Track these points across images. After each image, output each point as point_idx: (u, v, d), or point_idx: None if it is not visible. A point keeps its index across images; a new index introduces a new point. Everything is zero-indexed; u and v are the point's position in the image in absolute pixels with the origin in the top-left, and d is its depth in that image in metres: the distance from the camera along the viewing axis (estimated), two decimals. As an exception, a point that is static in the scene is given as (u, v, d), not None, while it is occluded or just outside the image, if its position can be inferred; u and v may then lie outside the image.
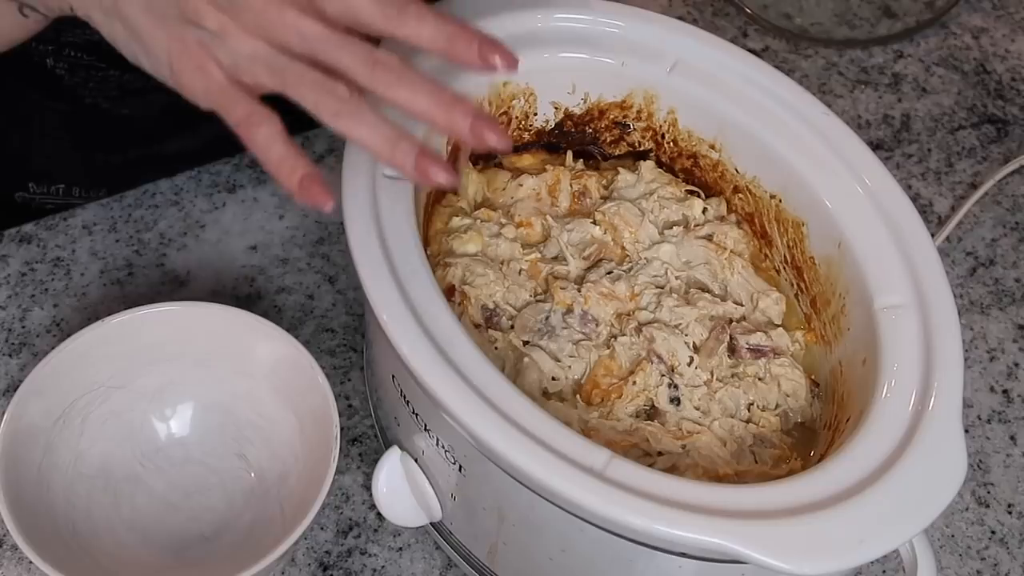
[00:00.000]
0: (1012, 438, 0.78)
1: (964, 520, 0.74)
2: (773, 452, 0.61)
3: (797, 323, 0.67)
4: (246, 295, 0.79)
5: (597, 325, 0.63)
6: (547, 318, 0.63)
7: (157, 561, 0.65)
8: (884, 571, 0.72)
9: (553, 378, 0.62)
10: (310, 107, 0.51)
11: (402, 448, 0.64)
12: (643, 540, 0.52)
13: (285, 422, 0.68)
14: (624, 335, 0.63)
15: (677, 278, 0.66)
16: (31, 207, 0.88)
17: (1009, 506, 0.75)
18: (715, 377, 0.63)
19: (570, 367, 0.62)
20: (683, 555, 0.52)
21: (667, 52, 0.68)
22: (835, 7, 1.02)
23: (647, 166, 0.71)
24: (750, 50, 0.74)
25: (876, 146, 0.93)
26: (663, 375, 0.62)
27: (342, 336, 0.78)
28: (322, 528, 0.70)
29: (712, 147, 0.69)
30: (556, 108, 0.70)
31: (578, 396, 0.62)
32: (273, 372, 0.68)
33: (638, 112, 0.70)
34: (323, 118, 0.51)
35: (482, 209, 0.68)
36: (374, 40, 0.52)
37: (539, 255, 0.66)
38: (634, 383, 0.61)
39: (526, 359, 0.62)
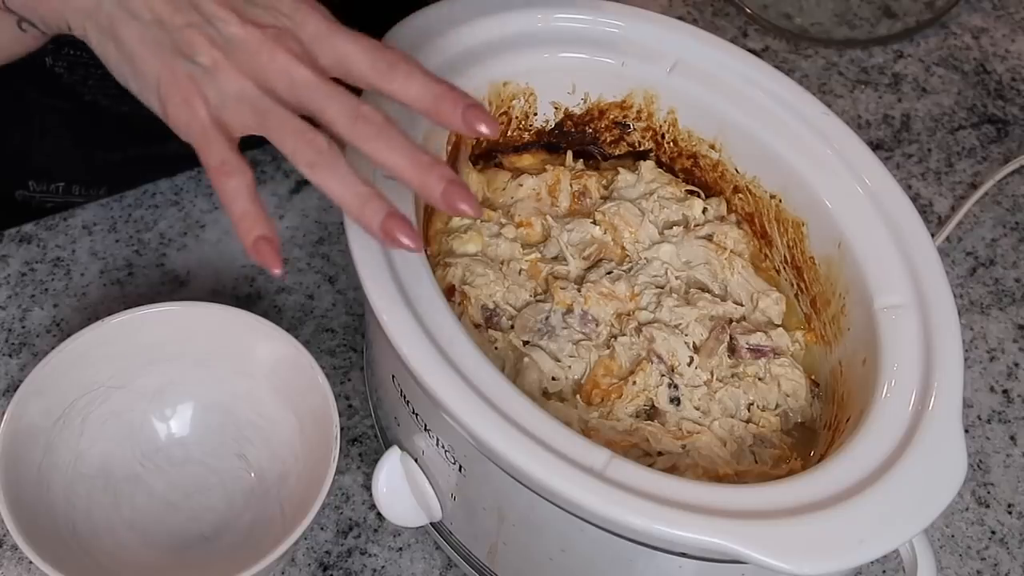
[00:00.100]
0: (1012, 438, 0.78)
1: (964, 520, 0.74)
2: (773, 452, 0.61)
3: (797, 323, 0.67)
4: (246, 295, 0.79)
5: (597, 325, 0.63)
6: (547, 318, 0.63)
7: (157, 561, 0.65)
8: (884, 571, 0.72)
9: (553, 378, 0.62)
10: (288, 153, 0.52)
11: (402, 448, 0.64)
12: (643, 540, 0.52)
13: (285, 422, 0.68)
14: (624, 335, 0.63)
15: (677, 278, 0.66)
16: (31, 205, 0.88)
17: (1009, 506, 0.75)
18: (715, 377, 0.63)
19: (570, 367, 0.62)
20: (683, 555, 0.52)
21: (667, 52, 0.68)
22: (835, 7, 1.02)
23: (647, 166, 0.71)
24: (750, 50, 0.74)
25: (876, 146, 0.93)
26: (663, 375, 0.62)
27: (342, 336, 0.78)
28: (322, 528, 0.70)
29: (712, 147, 0.69)
30: (556, 108, 0.70)
31: (578, 396, 0.62)
32: (273, 372, 0.68)
33: (638, 112, 0.70)
34: (299, 166, 0.52)
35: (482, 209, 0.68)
36: (359, 91, 0.53)
37: (539, 255, 0.66)
38: (634, 383, 0.61)
39: (526, 359, 0.62)
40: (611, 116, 0.71)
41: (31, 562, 0.59)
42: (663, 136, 0.71)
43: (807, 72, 0.98)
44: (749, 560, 0.49)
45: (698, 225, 0.69)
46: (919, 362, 0.57)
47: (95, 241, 0.81)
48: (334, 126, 0.52)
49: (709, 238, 0.68)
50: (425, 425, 0.59)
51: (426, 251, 0.59)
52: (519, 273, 0.65)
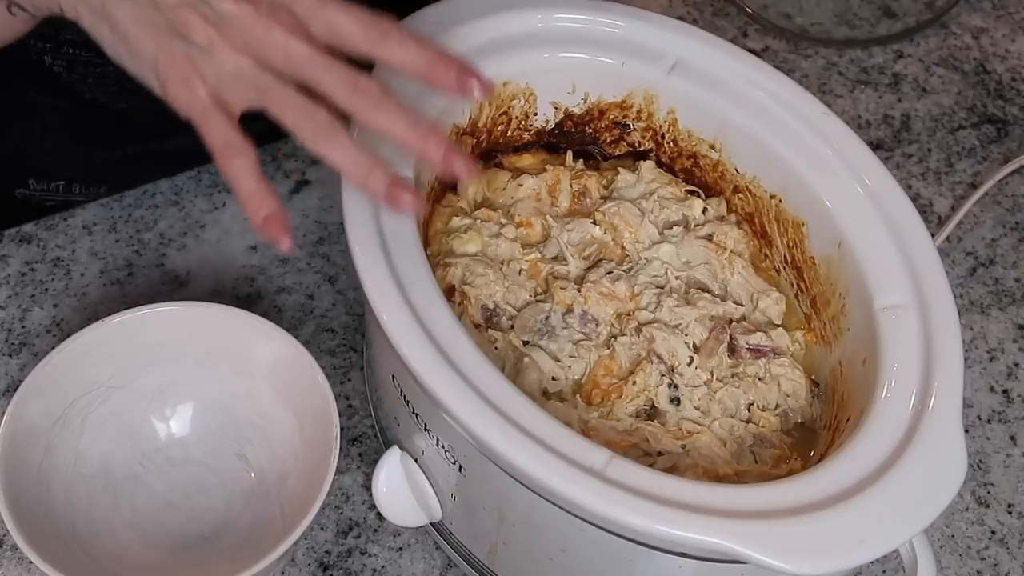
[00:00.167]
0: (1012, 438, 0.78)
1: (964, 520, 0.74)
2: (773, 452, 0.61)
3: (797, 323, 0.67)
4: (246, 295, 0.79)
5: (597, 325, 0.63)
6: (547, 318, 0.63)
7: (157, 561, 0.65)
8: (884, 571, 0.72)
9: (553, 378, 0.62)
10: (290, 127, 0.53)
11: (402, 448, 0.64)
12: (643, 540, 0.52)
13: (285, 422, 0.68)
14: (624, 335, 0.63)
15: (677, 278, 0.66)
16: (31, 204, 0.88)
17: (1009, 506, 0.75)
18: (715, 377, 0.63)
19: (570, 367, 0.62)
20: (683, 555, 0.52)
21: (667, 52, 0.68)
22: (835, 7, 1.02)
23: (647, 166, 0.71)
24: (750, 50, 0.74)
25: (876, 146, 0.93)
26: (663, 375, 0.62)
27: (342, 336, 0.78)
28: (322, 528, 0.70)
29: (712, 147, 0.69)
30: (556, 108, 0.70)
31: (578, 396, 0.62)
32: (273, 372, 0.68)
33: (638, 112, 0.70)
34: (302, 139, 0.53)
35: (482, 209, 0.68)
36: (366, 65, 0.53)
37: (539, 255, 0.66)
38: (634, 383, 0.61)
39: (526, 359, 0.62)
40: (611, 116, 0.71)
41: (31, 562, 0.59)
42: (663, 136, 0.71)
43: (807, 72, 0.98)
44: (749, 560, 0.49)
45: (698, 225, 0.69)
46: (919, 362, 0.57)
47: (95, 241, 0.81)
48: (333, 98, 0.53)
49: (709, 238, 0.68)
50: (425, 425, 0.59)
51: (426, 251, 0.59)
52: (519, 273, 0.65)
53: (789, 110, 0.66)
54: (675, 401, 0.62)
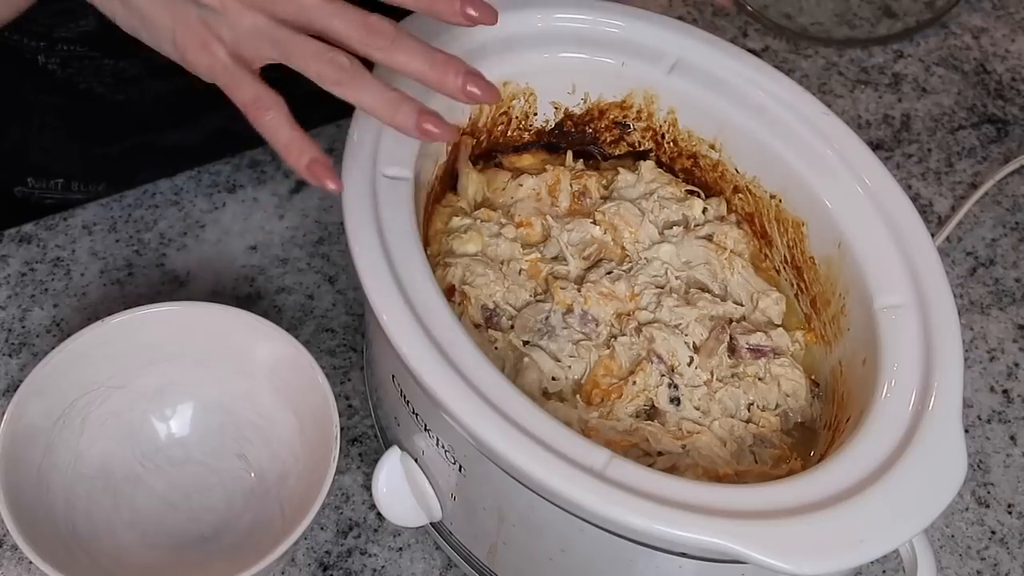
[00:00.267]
0: (1012, 438, 0.78)
1: (964, 520, 0.74)
2: (773, 452, 0.61)
3: (797, 323, 0.67)
4: (246, 295, 0.79)
5: (597, 325, 0.63)
6: (547, 318, 0.63)
7: (157, 561, 0.65)
8: (884, 571, 0.72)
9: (553, 378, 0.62)
10: (313, 76, 0.53)
11: (402, 448, 0.64)
12: (643, 540, 0.52)
13: (285, 422, 0.68)
14: (624, 335, 0.63)
15: (677, 278, 0.66)
16: (30, 202, 0.88)
17: (1009, 506, 0.75)
18: (715, 377, 0.63)
19: (570, 367, 0.62)
20: (683, 555, 0.52)
21: (667, 52, 0.68)
22: (835, 7, 1.02)
23: (647, 166, 0.71)
24: (750, 50, 0.74)
25: (876, 146, 0.93)
26: (663, 375, 0.62)
27: (342, 336, 0.78)
28: (322, 528, 0.70)
29: (712, 147, 0.69)
30: (556, 108, 0.70)
31: (578, 396, 0.62)
32: (273, 372, 0.68)
33: (638, 112, 0.70)
34: (326, 86, 0.53)
35: (482, 209, 0.68)
36: (378, 6, 0.54)
37: (539, 255, 0.66)
38: (634, 383, 0.61)
39: (526, 359, 0.62)
40: (611, 116, 0.71)
41: (31, 562, 0.59)
42: (663, 136, 0.71)
43: (807, 72, 0.98)
44: (749, 560, 0.49)
45: (698, 225, 0.69)
46: (919, 362, 0.57)
47: (95, 241, 0.81)
48: (348, 42, 0.53)
49: (709, 238, 0.68)
50: (425, 425, 0.59)
51: (426, 251, 0.59)
52: (519, 273, 0.65)
53: (789, 110, 0.66)
54: (675, 401, 0.62)
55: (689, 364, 0.63)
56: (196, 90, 0.60)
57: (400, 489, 0.64)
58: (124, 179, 0.84)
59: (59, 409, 0.65)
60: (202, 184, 0.84)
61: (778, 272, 0.69)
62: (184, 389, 0.69)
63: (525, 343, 0.62)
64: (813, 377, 0.65)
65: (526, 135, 0.71)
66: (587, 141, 0.72)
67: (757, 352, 0.64)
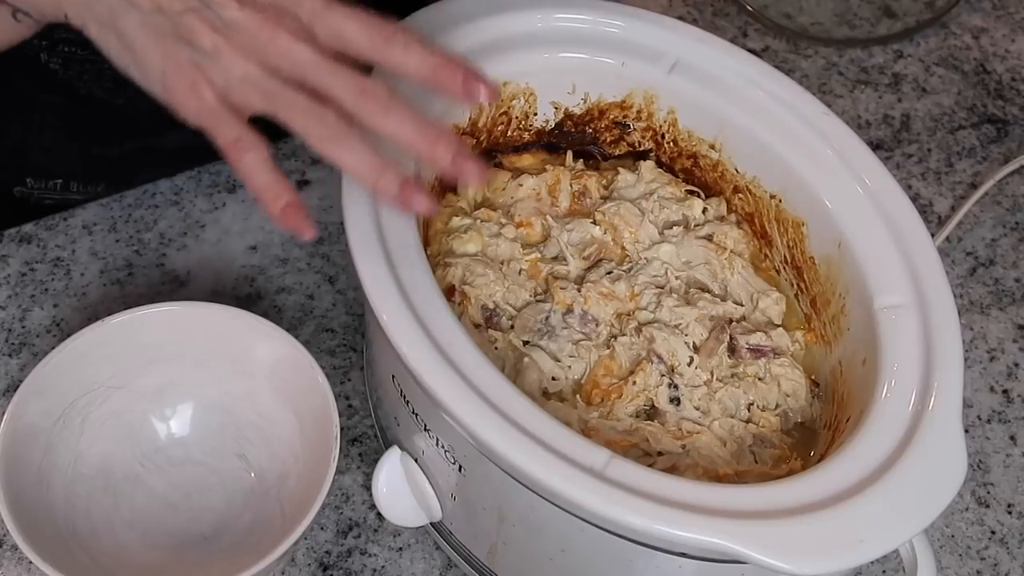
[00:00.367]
0: (1012, 438, 0.78)
1: (964, 520, 0.74)
2: (773, 452, 0.61)
3: (797, 323, 0.67)
4: (246, 295, 0.79)
5: (597, 325, 0.63)
6: (547, 318, 0.63)
7: (157, 561, 0.65)
8: (884, 571, 0.72)
9: (553, 378, 0.62)
10: (299, 131, 0.53)
11: (402, 448, 0.64)
12: (643, 540, 0.52)
13: (285, 422, 0.68)
14: (624, 335, 0.63)
15: (677, 278, 0.66)
16: (29, 202, 0.88)
17: (1009, 506, 0.75)
18: (715, 377, 0.63)
19: (570, 367, 0.62)
20: (683, 555, 0.52)
21: (667, 52, 0.68)
22: (835, 7, 1.02)
23: (647, 166, 0.71)
24: (750, 50, 0.74)
25: (876, 146, 0.93)
26: (663, 375, 0.62)
27: (342, 336, 0.78)
28: (322, 528, 0.70)
29: (712, 147, 0.69)
30: (556, 108, 0.70)
31: (578, 396, 0.62)
32: (273, 372, 0.68)
33: (638, 112, 0.70)
34: (312, 143, 0.53)
35: (482, 209, 0.68)
36: (367, 68, 0.53)
37: (539, 255, 0.66)
38: (634, 383, 0.61)
39: (526, 359, 0.62)
40: (611, 116, 0.71)
41: (31, 562, 0.59)
42: (663, 136, 0.71)
43: (807, 72, 0.98)
44: (749, 560, 0.49)
45: (698, 225, 0.69)
46: (919, 362, 0.57)
47: (95, 241, 0.81)
48: (340, 102, 0.53)
49: (709, 238, 0.68)
50: (425, 425, 0.59)
51: (426, 251, 0.59)
52: (519, 273, 0.65)
53: (789, 110, 0.66)
54: (675, 401, 0.62)
55: (689, 364, 0.63)
56: None
57: (400, 489, 0.64)
58: (123, 180, 0.84)
59: (59, 409, 0.65)
60: (202, 184, 0.84)
61: (778, 272, 0.69)
62: (184, 389, 0.69)
63: (525, 343, 0.62)
64: (813, 377, 0.65)
65: (526, 135, 0.71)
66: (587, 141, 0.72)
67: (757, 352, 0.64)
